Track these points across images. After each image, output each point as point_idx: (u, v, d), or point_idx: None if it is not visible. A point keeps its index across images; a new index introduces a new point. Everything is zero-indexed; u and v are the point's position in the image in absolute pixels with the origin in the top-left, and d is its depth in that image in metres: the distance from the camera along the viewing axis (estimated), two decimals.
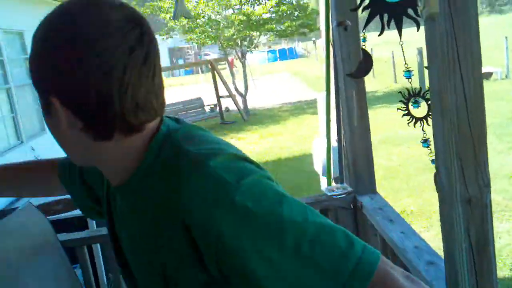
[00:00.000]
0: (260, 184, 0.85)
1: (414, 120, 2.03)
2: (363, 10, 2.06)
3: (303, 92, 20.70)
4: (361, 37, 2.13)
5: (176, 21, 15.42)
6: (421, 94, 2.04)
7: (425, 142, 1.98)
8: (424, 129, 2.02)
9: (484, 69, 17.46)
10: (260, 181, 0.86)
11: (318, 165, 3.98)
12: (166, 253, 0.89)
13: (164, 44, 36.35)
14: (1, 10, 7.03)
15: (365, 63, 2.17)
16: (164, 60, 41.84)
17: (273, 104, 18.83)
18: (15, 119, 7.04)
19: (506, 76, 17.66)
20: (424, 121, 2.01)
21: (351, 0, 2.60)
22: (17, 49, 7.54)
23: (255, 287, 0.81)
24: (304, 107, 16.93)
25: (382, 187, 6.98)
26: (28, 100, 7.67)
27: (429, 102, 1.99)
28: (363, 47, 2.12)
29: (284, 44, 50.73)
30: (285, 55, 46.40)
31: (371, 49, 21.31)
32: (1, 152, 6.29)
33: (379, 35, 2.01)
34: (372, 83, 18.73)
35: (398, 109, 2.06)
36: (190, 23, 15.93)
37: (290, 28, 16.70)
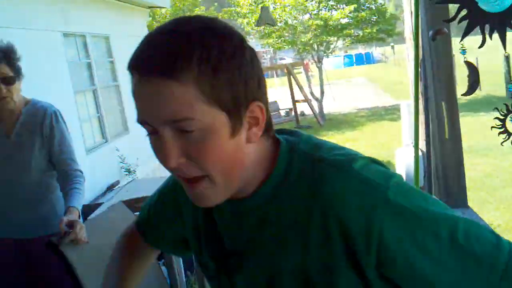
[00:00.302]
0: (404, 184, 0.86)
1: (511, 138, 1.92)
2: (460, 21, 1.96)
3: (381, 98, 20.28)
4: (460, 49, 2.01)
5: (256, 26, 15.58)
6: None
7: None
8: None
9: None
10: (402, 181, 0.86)
11: (402, 175, 3.87)
12: (313, 261, 0.87)
13: None
14: (90, 17, 7.36)
15: (472, 75, 2.05)
16: None
17: (349, 109, 18.55)
18: (100, 119, 7.34)
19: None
20: None
21: (445, 8, 2.52)
22: (103, 53, 7.85)
23: (421, 285, 0.81)
24: (382, 113, 16.57)
25: (469, 198, 6.66)
26: (112, 101, 7.97)
27: None
28: (465, 59, 2.01)
29: (361, 49, 50.03)
30: (361, 60, 45.79)
31: (454, 55, 20.62)
32: (88, 150, 6.57)
33: (479, 47, 1.91)
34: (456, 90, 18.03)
35: (492, 127, 1.95)
36: (268, 28, 16.02)
37: (369, 34, 16.44)
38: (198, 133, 0.78)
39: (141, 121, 0.80)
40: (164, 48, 0.76)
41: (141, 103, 0.79)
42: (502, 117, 1.93)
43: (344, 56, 46.20)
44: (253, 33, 18.07)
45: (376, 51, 52.26)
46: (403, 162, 3.81)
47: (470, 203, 6.32)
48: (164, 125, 0.78)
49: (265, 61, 45.25)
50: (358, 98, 21.18)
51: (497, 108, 1.95)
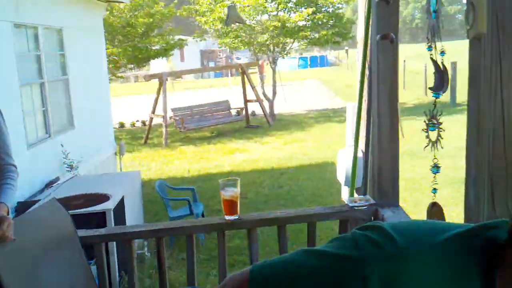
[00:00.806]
0: None
1: (430, 144, 1.96)
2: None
3: (331, 100, 20.67)
4: (439, 51, 2.00)
5: (226, 26, 15.47)
6: (435, 116, 1.95)
7: (436, 168, 1.91)
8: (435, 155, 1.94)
9: None
10: None
11: (341, 175, 3.94)
12: None
13: (196, 46, 36.69)
14: (43, 8, 7.16)
15: (441, 76, 2.04)
16: (195, 62, 42.12)
17: (300, 111, 18.85)
18: (45, 113, 7.14)
19: None
20: (436, 145, 1.93)
21: (395, 15, 2.57)
22: (54, 45, 7.64)
23: None
24: (330, 115, 16.90)
25: (404, 199, 6.98)
26: (59, 96, 7.77)
27: (439, 127, 1.92)
28: (442, 61, 2.00)
29: (316, 52, 50.62)
30: (316, 62, 46.30)
31: (404, 61, 21.07)
32: (30, 145, 6.38)
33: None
34: (403, 95, 18.57)
35: (423, 130, 1.98)
36: (225, 28, 15.98)
37: (325, 37, 16.65)
38: None
39: None
40: None
41: None
42: (427, 122, 1.97)
43: (299, 58, 46.60)
44: (210, 32, 17.96)
45: (331, 54, 52.98)
46: (344, 162, 3.86)
47: (405, 203, 6.55)
48: None
49: (221, 61, 45.19)
50: (309, 100, 21.52)
51: (425, 112, 1.99)
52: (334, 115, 16.64)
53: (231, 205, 2.64)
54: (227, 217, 2.64)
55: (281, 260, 0.97)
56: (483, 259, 0.79)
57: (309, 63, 46.22)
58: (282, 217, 2.68)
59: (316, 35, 16.94)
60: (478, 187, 1.55)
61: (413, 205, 6.63)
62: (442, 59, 1.97)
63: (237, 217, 2.63)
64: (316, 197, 7.80)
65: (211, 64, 42.21)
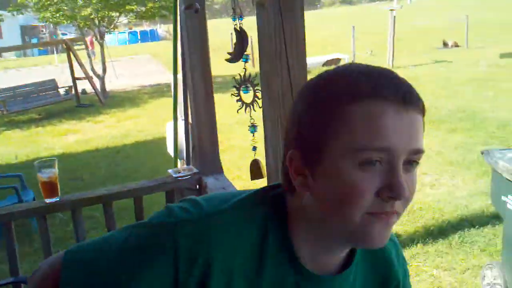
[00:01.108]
0: None
1: (244, 106, 2.09)
2: None
3: (163, 75, 20.53)
4: (236, 16, 2.04)
5: None
6: (249, 79, 2.08)
7: (253, 127, 2.05)
8: (252, 115, 2.08)
9: (333, 56, 18.69)
10: None
11: (170, 147, 3.99)
12: None
13: (15, 21, 33.85)
14: None
15: (240, 43, 2.09)
16: (15, 39, 38.97)
17: (133, 87, 18.50)
18: None
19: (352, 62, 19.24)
20: (252, 106, 2.07)
21: None
22: None
23: None
24: (164, 90, 16.81)
25: (237, 166, 7.17)
26: None
27: (256, 88, 2.06)
28: (240, 25, 2.05)
29: (146, 26, 49.66)
30: (146, 37, 45.51)
31: (231, 33, 21.59)
32: None
33: None
34: (231, 67, 19.07)
35: (232, 94, 2.09)
36: (45, 0, 14.87)
37: (151, 10, 16.35)
38: (417, 168, 0.85)
39: (384, 148, 0.79)
40: (412, 87, 0.82)
41: (397, 131, 0.80)
42: (237, 86, 2.08)
43: (129, 32, 45.40)
44: (29, 5, 16.58)
45: (161, 28, 52.36)
46: (171, 135, 3.91)
47: (239, 171, 6.86)
48: (406, 156, 0.81)
49: (44, 37, 42.25)
50: (142, 75, 21.17)
51: (234, 78, 2.10)
52: (167, 90, 16.52)
53: (50, 187, 2.55)
54: (47, 200, 2.55)
55: (96, 240, 0.98)
56: (270, 211, 0.93)
57: (139, 37, 45.27)
58: (106, 195, 2.66)
59: (143, 9, 16.57)
60: (274, 145, 1.69)
61: (246, 171, 6.90)
62: (241, 23, 2.06)
63: (58, 199, 2.56)
64: (154, 173, 7.73)
65: (34, 41, 39.32)
